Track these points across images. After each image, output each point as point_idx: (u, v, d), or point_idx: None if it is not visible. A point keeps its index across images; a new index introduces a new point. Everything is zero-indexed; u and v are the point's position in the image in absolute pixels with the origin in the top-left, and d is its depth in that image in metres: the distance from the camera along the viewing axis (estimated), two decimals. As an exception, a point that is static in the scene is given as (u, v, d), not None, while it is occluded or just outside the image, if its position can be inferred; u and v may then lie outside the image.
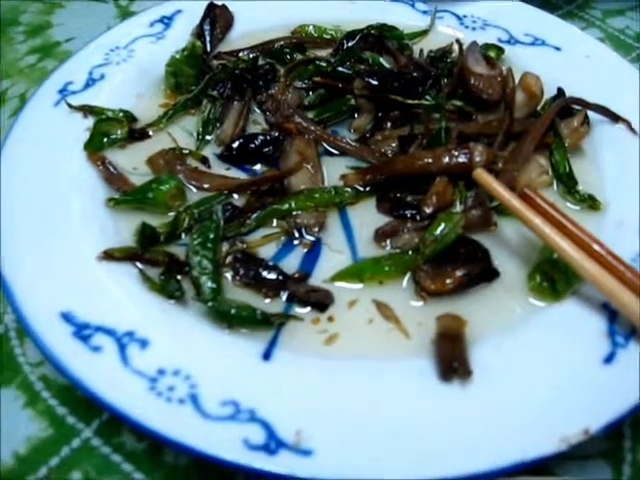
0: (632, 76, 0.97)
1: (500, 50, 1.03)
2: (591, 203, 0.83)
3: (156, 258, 0.74)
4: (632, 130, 0.90)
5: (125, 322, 0.68)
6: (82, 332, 0.67)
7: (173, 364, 0.65)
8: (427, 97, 0.90)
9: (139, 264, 0.74)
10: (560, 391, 0.65)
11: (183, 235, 0.78)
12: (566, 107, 0.90)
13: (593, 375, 0.66)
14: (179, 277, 0.74)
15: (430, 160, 0.81)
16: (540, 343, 0.69)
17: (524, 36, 1.07)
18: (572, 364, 0.67)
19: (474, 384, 0.65)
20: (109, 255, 0.74)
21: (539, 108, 0.92)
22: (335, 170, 0.87)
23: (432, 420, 0.63)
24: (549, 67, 1.00)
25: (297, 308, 0.73)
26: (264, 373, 0.66)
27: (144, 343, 0.67)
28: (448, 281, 0.72)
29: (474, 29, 1.09)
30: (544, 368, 0.67)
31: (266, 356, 0.67)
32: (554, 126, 0.88)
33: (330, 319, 0.72)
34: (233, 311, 0.69)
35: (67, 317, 0.68)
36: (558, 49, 1.04)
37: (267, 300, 0.73)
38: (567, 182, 0.85)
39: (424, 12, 1.12)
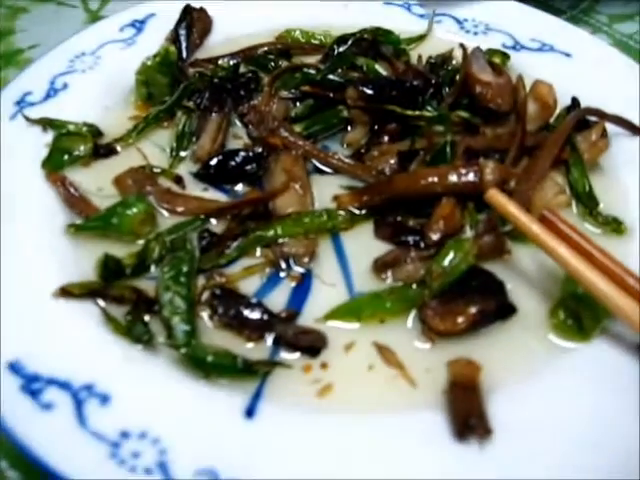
0: (650, 84, 0.93)
1: (505, 56, 0.99)
2: (615, 227, 0.78)
3: (121, 295, 0.69)
4: (653, 143, 0.85)
5: (83, 373, 0.63)
6: (31, 385, 0.61)
7: (139, 425, 0.59)
8: (428, 108, 0.86)
9: (101, 302, 0.69)
10: (592, 447, 0.59)
11: (153, 267, 0.73)
12: (582, 119, 0.85)
13: (628, 427, 0.60)
14: (147, 317, 0.68)
15: (435, 179, 0.76)
16: (566, 391, 0.64)
17: (530, 41, 1.03)
18: (603, 414, 0.62)
19: (493, 443, 0.59)
20: (67, 291, 0.69)
21: (552, 120, 0.88)
22: (327, 191, 0.82)
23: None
24: (559, 75, 0.94)
25: (285, 353, 0.67)
26: (247, 433, 0.60)
27: (105, 399, 0.61)
28: (460, 320, 0.66)
29: (476, 34, 1.05)
30: (572, 421, 0.61)
31: (249, 412, 0.62)
32: (571, 140, 0.82)
33: (323, 366, 0.66)
34: (210, 358, 0.64)
35: (15, 367, 0.62)
36: (568, 55, 1.00)
37: (250, 344, 0.68)
38: (587, 202, 0.80)
39: (421, 16, 1.08)
